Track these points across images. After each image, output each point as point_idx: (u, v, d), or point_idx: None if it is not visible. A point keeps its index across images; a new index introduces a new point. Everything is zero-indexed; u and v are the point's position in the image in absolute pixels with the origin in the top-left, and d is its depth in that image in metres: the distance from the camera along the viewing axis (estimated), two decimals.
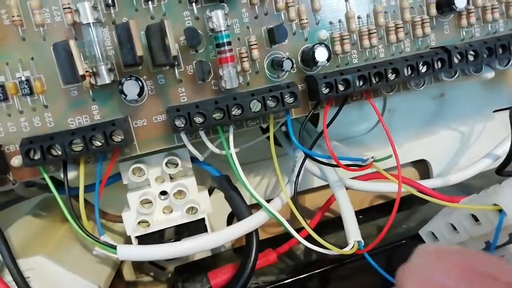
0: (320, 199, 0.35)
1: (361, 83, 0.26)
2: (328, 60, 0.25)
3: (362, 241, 0.27)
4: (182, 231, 0.27)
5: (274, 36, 0.25)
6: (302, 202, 0.39)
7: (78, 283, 0.25)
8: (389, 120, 0.39)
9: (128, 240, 0.27)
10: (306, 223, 0.27)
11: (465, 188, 0.36)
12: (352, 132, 0.39)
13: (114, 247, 0.25)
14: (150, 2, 0.24)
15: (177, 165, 0.27)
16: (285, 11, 0.26)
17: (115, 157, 0.25)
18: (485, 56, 0.27)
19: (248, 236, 0.27)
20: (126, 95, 0.23)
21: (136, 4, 0.24)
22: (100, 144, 0.23)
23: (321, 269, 0.31)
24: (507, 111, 0.33)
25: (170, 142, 0.26)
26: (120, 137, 0.23)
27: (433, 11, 0.28)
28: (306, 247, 0.27)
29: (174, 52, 0.22)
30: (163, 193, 0.28)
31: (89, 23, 0.22)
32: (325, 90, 0.25)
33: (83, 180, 0.24)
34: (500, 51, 0.27)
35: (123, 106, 0.25)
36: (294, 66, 0.26)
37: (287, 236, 0.29)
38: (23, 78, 0.23)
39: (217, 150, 0.26)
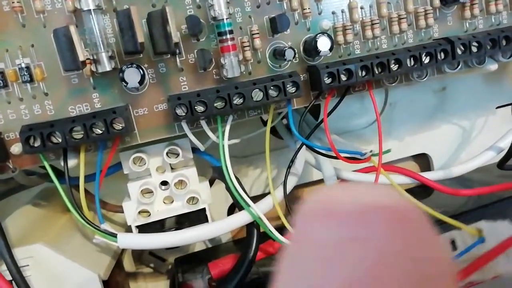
0: None
1: (364, 73, 0.25)
2: (330, 50, 0.25)
3: None
4: (183, 221, 0.27)
5: (276, 25, 0.24)
6: (303, 195, 0.39)
7: (77, 272, 0.25)
8: (390, 114, 0.39)
9: (128, 231, 0.27)
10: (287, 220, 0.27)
11: (466, 182, 0.36)
12: (353, 126, 0.39)
13: (114, 235, 0.25)
14: None
15: (178, 155, 0.27)
16: (288, 0, 0.25)
17: (115, 145, 0.25)
18: (489, 47, 0.27)
19: (249, 226, 0.27)
20: (127, 83, 0.23)
21: None
22: (100, 132, 0.23)
23: None
24: (510, 107, 0.33)
25: (171, 131, 0.25)
26: (120, 125, 0.23)
27: (437, 2, 0.27)
28: None
29: (175, 39, 0.22)
30: (164, 183, 0.28)
31: (90, 9, 0.22)
32: (327, 80, 0.25)
33: (83, 168, 0.24)
34: (504, 42, 0.27)
35: (124, 95, 0.24)
36: (296, 56, 0.26)
37: None
38: (23, 65, 0.23)
39: (217, 140, 0.26)
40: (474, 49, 0.27)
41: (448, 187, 0.30)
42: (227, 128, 0.25)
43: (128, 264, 0.34)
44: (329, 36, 0.25)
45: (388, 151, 0.32)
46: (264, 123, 0.34)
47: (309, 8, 0.26)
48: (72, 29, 0.21)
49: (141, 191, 0.27)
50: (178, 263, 0.32)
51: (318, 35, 0.25)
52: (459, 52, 0.26)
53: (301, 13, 0.26)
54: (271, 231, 0.26)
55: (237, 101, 0.24)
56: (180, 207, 0.27)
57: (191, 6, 0.24)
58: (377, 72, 0.26)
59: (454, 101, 0.40)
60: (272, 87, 0.24)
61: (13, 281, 0.24)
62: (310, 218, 0.10)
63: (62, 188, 0.24)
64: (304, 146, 0.29)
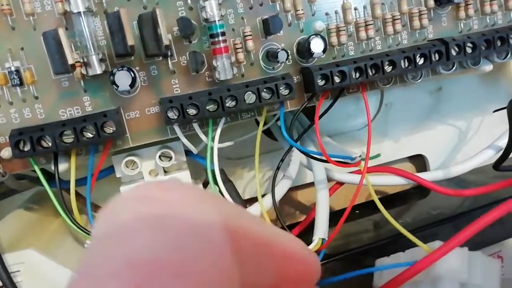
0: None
1: (358, 75, 0.25)
2: (324, 51, 0.25)
3: (326, 238, 0.27)
4: None
5: (269, 27, 0.24)
6: (297, 198, 0.39)
7: (69, 277, 0.25)
8: (386, 115, 0.39)
9: None
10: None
11: (462, 183, 0.36)
12: (348, 127, 0.39)
13: None
14: None
15: (171, 158, 0.27)
16: (281, 1, 0.25)
17: (107, 149, 0.24)
18: (483, 48, 0.27)
19: None
20: (118, 86, 0.23)
21: None
22: (91, 135, 0.23)
23: None
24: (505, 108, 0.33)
25: (163, 134, 0.25)
26: (111, 128, 0.23)
27: (431, 2, 0.27)
28: None
29: (166, 41, 0.21)
30: None
31: (80, 12, 0.22)
32: (321, 82, 0.25)
33: (74, 172, 0.24)
34: (499, 43, 0.27)
35: (115, 98, 0.24)
36: (290, 57, 0.26)
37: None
38: (13, 69, 0.23)
39: (211, 144, 0.25)
40: (469, 50, 0.27)
41: (449, 188, 0.29)
42: (218, 131, 0.25)
43: None
44: (323, 38, 0.24)
45: (378, 155, 0.32)
46: (258, 125, 0.34)
47: (302, 10, 0.25)
48: (61, 31, 0.21)
49: None
50: None
51: (312, 36, 0.24)
52: (454, 53, 0.26)
53: (294, 15, 0.25)
54: None
55: (229, 103, 0.24)
56: None
57: (182, 8, 0.24)
58: (371, 74, 0.25)
59: (450, 102, 0.40)
60: (265, 90, 0.24)
61: (3, 287, 0.24)
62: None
63: (52, 192, 0.24)
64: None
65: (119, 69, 0.23)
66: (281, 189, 0.29)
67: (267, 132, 0.35)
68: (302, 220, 0.33)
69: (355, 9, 0.26)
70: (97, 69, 0.22)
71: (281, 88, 0.24)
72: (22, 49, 0.23)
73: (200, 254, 0.10)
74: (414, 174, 0.31)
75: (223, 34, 0.24)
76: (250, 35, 0.25)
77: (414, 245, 0.25)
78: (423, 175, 0.31)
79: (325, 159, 0.26)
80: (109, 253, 0.10)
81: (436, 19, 0.28)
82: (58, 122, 0.23)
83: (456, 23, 0.28)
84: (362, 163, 0.28)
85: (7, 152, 0.23)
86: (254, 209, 0.27)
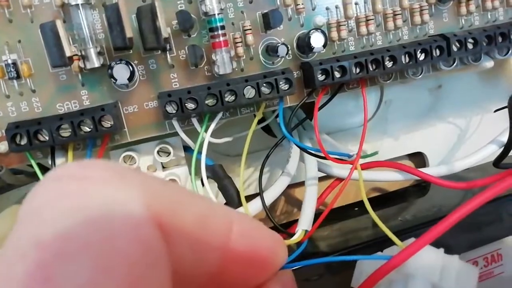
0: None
1: (358, 70, 0.25)
2: (324, 46, 0.24)
3: (309, 230, 0.27)
4: None
5: (269, 21, 0.24)
6: (296, 195, 0.39)
7: None
8: (385, 112, 0.39)
9: None
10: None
11: (461, 181, 0.36)
12: (348, 124, 0.39)
13: None
14: None
15: (169, 153, 0.26)
16: None
17: (104, 144, 0.24)
18: (485, 44, 0.27)
19: None
20: (116, 79, 0.22)
21: None
22: (89, 129, 0.22)
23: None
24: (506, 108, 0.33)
25: (161, 129, 0.25)
26: (109, 122, 0.22)
27: None
28: None
29: (165, 34, 0.21)
30: None
31: (78, 4, 0.21)
32: (321, 77, 0.25)
33: None
34: (500, 39, 0.27)
35: (113, 92, 0.24)
36: (290, 52, 0.26)
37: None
38: (10, 61, 0.22)
39: (211, 139, 0.25)
40: (470, 46, 0.26)
41: (455, 182, 0.29)
42: (213, 124, 0.24)
43: None
44: (323, 32, 0.24)
45: (375, 153, 0.32)
46: (258, 122, 0.33)
47: (302, 4, 0.25)
48: (59, 23, 0.20)
49: None
50: None
51: (312, 31, 0.24)
52: (455, 48, 0.26)
53: (294, 9, 0.25)
54: None
55: (228, 98, 0.23)
56: None
57: (182, 1, 0.24)
58: (371, 69, 0.25)
59: (450, 100, 0.40)
60: (264, 84, 0.24)
61: None
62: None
63: None
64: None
65: (117, 62, 0.22)
66: (280, 185, 0.29)
67: (267, 129, 0.35)
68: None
69: (356, 4, 0.26)
70: (95, 62, 0.22)
71: (280, 83, 0.24)
72: (19, 42, 0.23)
73: (114, 227, 0.10)
74: (418, 169, 0.31)
75: (222, 28, 0.23)
76: (250, 29, 0.25)
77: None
78: (425, 170, 0.31)
79: (323, 155, 0.26)
80: (19, 235, 0.10)
81: (437, 14, 0.28)
82: (55, 116, 0.22)
83: (457, 19, 0.28)
84: (360, 160, 0.28)
85: (3, 146, 0.23)
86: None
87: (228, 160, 0.36)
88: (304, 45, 0.25)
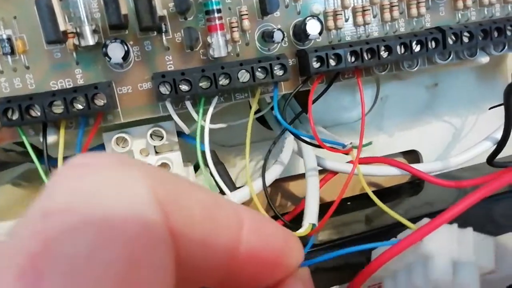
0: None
1: (353, 59, 0.25)
2: (320, 33, 0.24)
3: (316, 224, 0.26)
4: None
5: (265, 7, 0.24)
6: (289, 189, 0.39)
7: None
8: (381, 108, 0.39)
9: None
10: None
11: (455, 179, 0.36)
12: (344, 119, 0.39)
13: None
14: None
15: (162, 137, 0.26)
16: None
17: (97, 123, 0.24)
18: (480, 38, 0.27)
19: None
20: (110, 58, 0.22)
21: None
22: (81, 107, 0.22)
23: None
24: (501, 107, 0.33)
25: (155, 111, 0.25)
26: (102, 101, 0.22)
27: None
28: None
29: (160, 13, 0.21)
30: None
31: None
32: (316, 64, 0.25)
33: (63, 145, 0.23)
34: (495, 34, 0.27)
35: (107, 71, 0.24)
36: (286, 39, 0.26)
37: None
38: (4, 37, 0.22)
39: (204, 123, 0.25)
40: (466, 40, 0.26)
41: (446, 180, 0.29)
42: (211, 109, 0.24)
43: None
44: (319, 20, 0.24)
45: (370, 143, 0.31)
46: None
47: None
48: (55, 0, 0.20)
49: None
50: None
51: (308, 18, 0.24)
52: (450, 42, 0.26)
53: None
54: None
55: (222, 81, 0.23)
56: None
57: None
58: (366, 58, 0.25)
59: (446, 98, 0.40)
60: (259, 69, 0.24)
61: None
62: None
63: (40, 165, 0.24)
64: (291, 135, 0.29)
65: (112, 41, 0.22)
66: (272, 174, 0.29)
67: (262, 121, 0.35)
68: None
69: None
70: (90, 40, 0.22)
71: (275, 68, 0.24)
72: (15, 17, 0.23)
73: (116, 206, 0.10)
74: (410, 165, 0.31)
75: (219, 11, 0.23)
76: (247, 14, 0.25)
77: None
78: (418, 167, 0.31)
79: (317, 143, 0.26)
80: (32, 206, 0.10)
81: (433, 8, 0.28)
82: (48, 92, 0.22)
83: (453, 13, 0.28)
84: (354, 150, 0.28)
85: None
86: (244, 192, 0.27)
87: (223, 150, 0.36)
88: (300, 32, 0.25)
